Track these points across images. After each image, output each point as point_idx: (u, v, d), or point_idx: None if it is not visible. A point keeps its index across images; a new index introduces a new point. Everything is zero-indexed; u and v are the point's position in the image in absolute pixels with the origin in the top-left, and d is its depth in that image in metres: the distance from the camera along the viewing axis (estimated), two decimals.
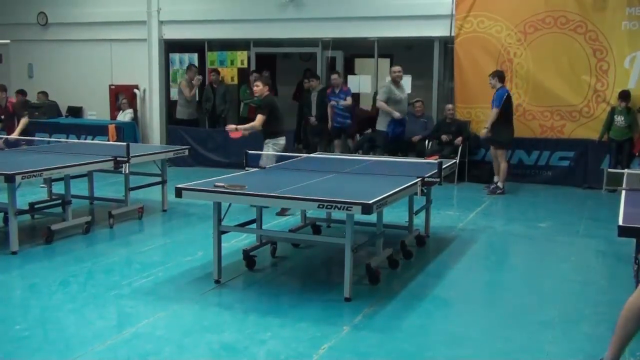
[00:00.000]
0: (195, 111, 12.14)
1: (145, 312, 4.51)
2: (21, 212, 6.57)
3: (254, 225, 5.76)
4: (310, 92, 11.42)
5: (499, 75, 9.40)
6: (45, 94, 13.27)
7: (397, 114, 9.78)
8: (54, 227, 6.37)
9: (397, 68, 9.97)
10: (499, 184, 9.40)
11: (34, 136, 11.12)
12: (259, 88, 7.71)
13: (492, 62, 10.39)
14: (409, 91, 11.33)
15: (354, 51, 13.26)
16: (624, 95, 9.44)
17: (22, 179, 5.73)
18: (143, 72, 12.82)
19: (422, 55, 11.52)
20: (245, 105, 12.05)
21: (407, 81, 11.36)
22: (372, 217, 5.00)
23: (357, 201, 4.41)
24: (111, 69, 13.18)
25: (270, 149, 7.56)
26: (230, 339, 4.06)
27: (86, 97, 13.42)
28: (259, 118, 7.55)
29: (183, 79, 12.00)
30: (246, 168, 6.17)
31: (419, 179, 5.41)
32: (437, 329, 4.34)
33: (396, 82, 9.87)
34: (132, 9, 12.58)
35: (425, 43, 11.21)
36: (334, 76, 11.06)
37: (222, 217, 5.11)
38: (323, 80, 11.85)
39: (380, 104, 9.86)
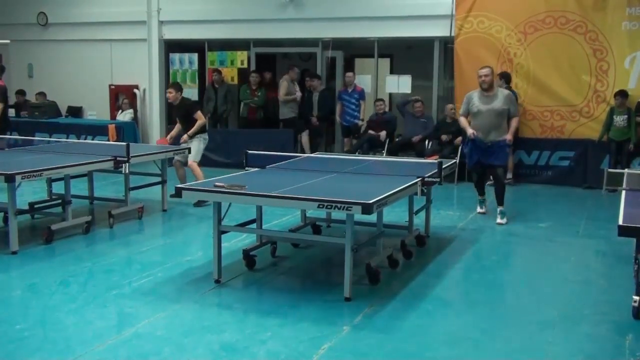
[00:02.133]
0: (297, 112, 11.79)
1: (145, 312, 4.50)
2: (21, 212, 6.57)
3: (254, 225, 5.76)
4: (312, 92, 11.43)
5: (506, 77, 9.59)
6: (43, 94, 13.28)
7: (470, 131, 7.35)
8: (54, 227, 6.37)
9: (483, 71, 7.32)
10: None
11: (33, 135, 11.16)
12: (173, 94, 8.41)
13: (492, 62, 10.36)
14: (408, 90, 11.40)
15: (354, 51, 13.27)
16: (620, 94, 9.45)
17: (22, 179, 5.73)
18: (143, 72, 12.83)
19: (422, 55, 11.53)
20: (245, 105, 12.05)
21: (407, 81, 11.42)
22: (372, 217, 5.00)
23: (357, 201, 4.40)
24: (111, 69, 13.19)
25: (201, 143, 8.48)
26: (230, 339, 4.06)
27: (86, 97, 13.43)
28: (201, 115, 8.51)
29: (283, 79, 11.63)
30: (246, 168, 6.17)
31: (419, 179, 5.41)
32: (437, 329, 4.34)
33: (482, 88, 7.31)
34: (132, 9, 12.58)
35: (425, 43, 11.22)
36: (349, 74, 11.30)
37: (222, 217, 5.11)
38: (324, 80, 11.87)
39: (459, 118, 7.76)
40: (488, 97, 7.33)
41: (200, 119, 8.42)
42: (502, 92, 7.47)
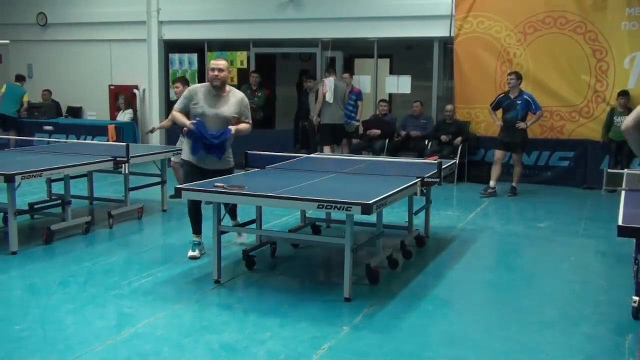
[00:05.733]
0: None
1: (145, 312, 4.50)
2: (21, 212, 6.57)
3: (253, 225, 5.76)
4: (308, 92, 11.43)
5: (521, 76, 9.33)
6: (49, 92, 13.30)
7: (187, 123, 5.72)
8: (53, 227, 6.37)
9: (219, 63, 5.76)
10: (514, 184, 9.30)
11: (33, 135, 11.17)
12: (180, 89, 8.01)
13: (492, 62, 10.40)
14: (408, 91, 11.41)
15: (353, 51, 13.27)
16: (623, 95, 9.47)
17: (22, 179, 5.74)
18: (143, 72, 12.82)
19: (422, 55, 11.54)
20: None
21: (406, 81, 11.42)
22: (372, 217, 5.00)
23: (357, 201, 4.40)
24: (111, 69, 13.18)
25: None
26: (230, 339, 4.06)
27: (86, 97, 13.42)
28: None
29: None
30: (246, 168, 6.17)
31: (419, 179, 5.41)
32: (437, 329, 4.34)
33: (213, 85, 5.77)
34: (131, 9, 12.58)
35: (425, 43, 11.22)
36: (345, 75, 11.27)
37: (222, 217, 5.11)
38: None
39: (174, 114, 5.94)
40: (217, 99, 5.72)
41: None
42: (235, 95, 5.80)
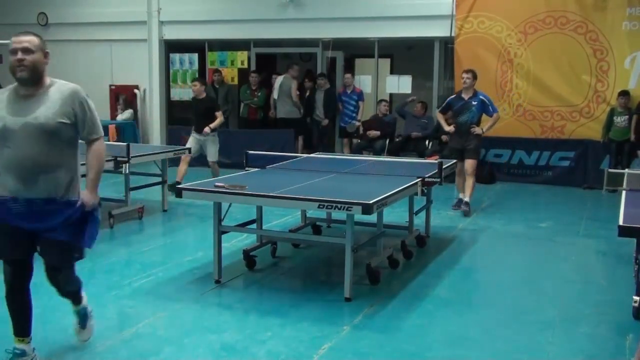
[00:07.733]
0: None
1: (146, 312, 4.50)
2: None
3: (254, 226, 5.76)
4: (316, 90, 11.44)
5: (476, 76, 8.05)
6: None
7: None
8: None
9: (20, 40, 3.59)
10: (467, 199, 7.96)
11: None
12: (198, 87, 8.76)
13: (492, 62, 10.40)
14: (408, 91, 11.42)
15: (354, 51, 13.28)
16: (623, 95, 9.47)
17: None
18: (143, 72, 12.83)
19: (423, 55, 11.54)
20: (245, 105, 12.06)
21: (407, 81, 11.43)
22: (373, 217, 5.00)
23: (358, 201, 4.41)
24: (111, 69, 13.18)
25: (214, 142, 8.79)
26: (231, 339, 4.07)
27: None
28: (221, 114, 8.87)
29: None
30: (246, 168, 6.17)
31: (419, 179, 5.41)
32: (437, 329, 4.34)
33: (16, 77, 3.54)
34: (132, 9, 12.59)
35: (426, 43, 11.23)
36: (347, 76, 11.42)
37: (222, 217, 5.12)
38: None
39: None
40: (29, 100, 3.48)
41: (221, 117, 8.80)
42: (61, 90, 3.59)
